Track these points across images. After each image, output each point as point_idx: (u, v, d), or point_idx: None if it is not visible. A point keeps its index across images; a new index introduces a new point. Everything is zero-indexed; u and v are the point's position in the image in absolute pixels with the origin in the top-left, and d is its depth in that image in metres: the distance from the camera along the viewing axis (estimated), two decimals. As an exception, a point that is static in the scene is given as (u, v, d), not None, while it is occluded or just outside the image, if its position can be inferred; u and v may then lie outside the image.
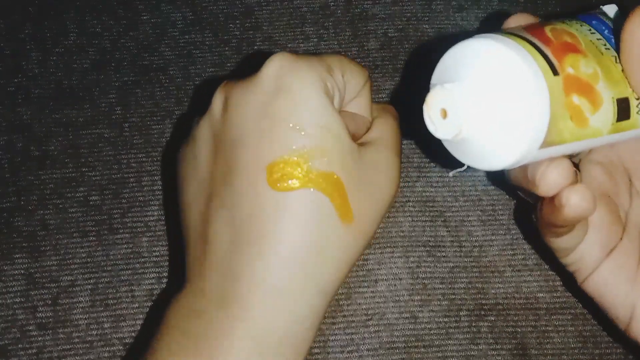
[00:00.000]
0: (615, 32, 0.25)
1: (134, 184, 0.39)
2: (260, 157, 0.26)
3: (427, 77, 0.24)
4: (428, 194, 0.39)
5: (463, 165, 0.24)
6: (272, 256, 0.26)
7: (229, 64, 0.42)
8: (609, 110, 0.22)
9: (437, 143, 0.40)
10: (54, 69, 0.42)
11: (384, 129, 0.31)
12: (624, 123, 0.23)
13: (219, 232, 0.27)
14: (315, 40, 0.42)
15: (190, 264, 0.29)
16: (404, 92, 0.41)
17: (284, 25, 0.43)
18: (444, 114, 0.22)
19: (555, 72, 0.21)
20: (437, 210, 0.39)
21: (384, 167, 0.29)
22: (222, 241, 0.27)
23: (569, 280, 0.37)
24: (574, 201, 0.24)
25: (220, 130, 0.28)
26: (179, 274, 0.31)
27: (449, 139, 0.22)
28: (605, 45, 0.23)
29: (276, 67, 0.27)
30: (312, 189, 0.26)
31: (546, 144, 0.21)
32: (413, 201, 0.39)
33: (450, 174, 0.36)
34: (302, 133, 0.26)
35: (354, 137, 0.30)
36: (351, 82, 0.29)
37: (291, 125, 0.26)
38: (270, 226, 0.26)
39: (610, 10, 0.26)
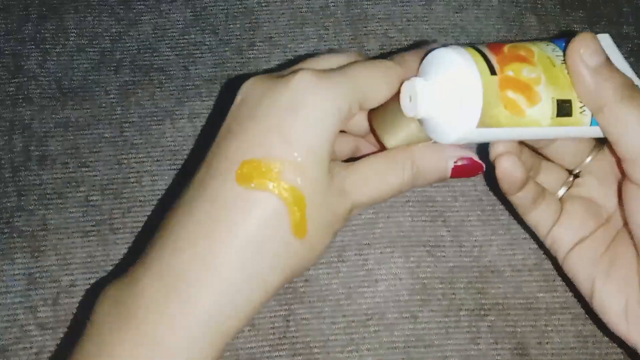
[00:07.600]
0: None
1: (134, 184, 0.39)
2: (243, 150, 0.28)
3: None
4: (428, 194, 0.39)
5: None
6: (222, 247, 0.27)
7: (229, 64, 0.42)
8: (547, 106, 0.29)
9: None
10: (54, 69, 0.42)
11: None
12: (565, 119, 0.29)
13: (189, 212, 0.28)
14: (315, 40, 0.42)
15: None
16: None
17: (284, 25, 0.43)
18: (410, 99, 0.29)
19: (492, 73, 0.28)
20: (437, 210, 0.39)
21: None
22: (188, 221, 0.28)
23: (569, 280, 0.37)
24: (504, 165, 0.30)
25: (230, 117, 0.30)
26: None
27: (413, 117, 0.30)
28: (563, 60, 0.30)
29: (301, 82, 0.28)
30: (275, 197, 0.27)
31: (484, 124, 0.28)
32: (413, 201, 0.39)
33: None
34: (291, 147, 0.28)
35: (353, 154, 0.34)
36: (372, 94, 0.30)
37: (286, 137, 0.28)
38: (226, 217, 0.27)
39: (603, 39, 0.31)
